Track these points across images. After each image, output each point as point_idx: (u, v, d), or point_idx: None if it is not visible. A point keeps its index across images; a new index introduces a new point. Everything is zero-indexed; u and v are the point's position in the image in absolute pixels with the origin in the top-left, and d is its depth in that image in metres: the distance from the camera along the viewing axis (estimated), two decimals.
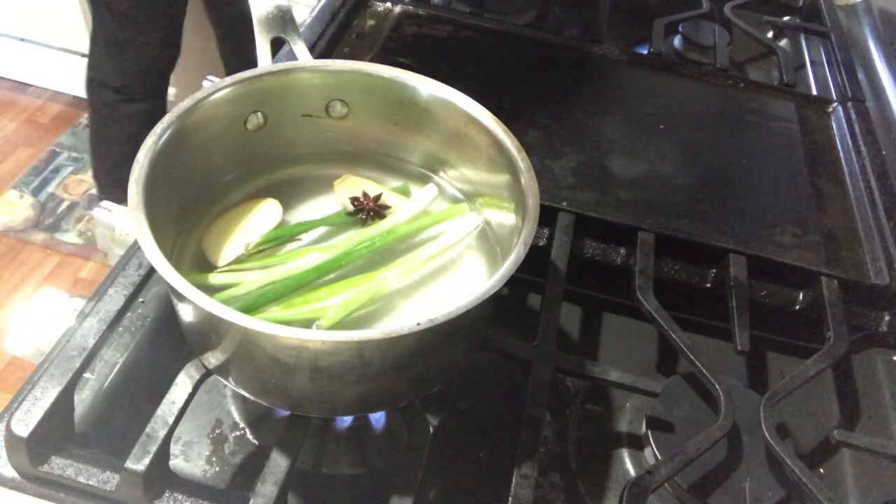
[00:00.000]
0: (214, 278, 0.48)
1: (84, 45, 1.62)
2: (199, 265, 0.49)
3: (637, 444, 0.55)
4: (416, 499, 0.44)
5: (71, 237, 1.77)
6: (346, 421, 0.55)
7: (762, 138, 0.78)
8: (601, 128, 0.75)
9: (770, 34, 1.03)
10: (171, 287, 0.39)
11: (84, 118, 1.98)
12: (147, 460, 0.43)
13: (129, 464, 0.42)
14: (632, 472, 0.54)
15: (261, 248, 0.50)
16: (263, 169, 0.55)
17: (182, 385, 0.46)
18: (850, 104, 0.85)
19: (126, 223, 0.61)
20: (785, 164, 0.75)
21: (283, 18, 0.56)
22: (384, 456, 0.54)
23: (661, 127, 0.77)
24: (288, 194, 0.54)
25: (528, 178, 0.47)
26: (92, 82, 1.52)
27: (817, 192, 0.72)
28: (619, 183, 0.68)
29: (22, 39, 2.00)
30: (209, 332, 0.43)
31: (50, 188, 1.87)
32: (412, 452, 0.46)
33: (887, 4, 1.01)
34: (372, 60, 0.77)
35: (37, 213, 1.81)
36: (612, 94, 0.82)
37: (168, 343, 0.52)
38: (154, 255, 0.39)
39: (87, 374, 0.49)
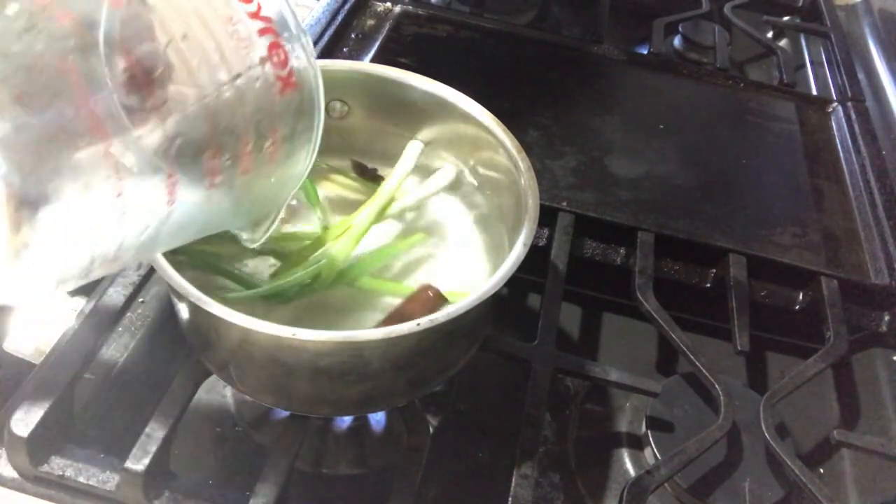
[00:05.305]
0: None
1: None
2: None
3: (637, 444, 0.55)
4: (416, 499, 0.44)
5: None
6: (346, 421, 0.55)
7: (762, 138, 0.78)
8: (601, 128, 0.75)
9: (770, 34, 1.03)
10: (171, 287, 0.39)
11: None
12: (147, 460, 0.43)
13: (129, 464, 0.42)
14: (632, 472, 0.54)
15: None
16: None
17: (182, 385, 0.46)
18: (849, 104, 0.85)
19: None
20: (785, 164, 0.75)
21: None
22: (384, 456, 0.53)
23: (661, 127, 0.77)
24: None
25: (528, 178, 0.47)
26: None
27: (817, 192, 0.72)
28: (619, 183, 0.68)
29: None
30: (209, 331, 0.43)
31: None
32: (412, 452, 0.46)
33: (887, 4, 1.01)
34: (372, 60, 0.78)
35: None
36: (612, 94, 0.82)
37: (168, 343, 0.52)
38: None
39: (87, 374, 0.49)
